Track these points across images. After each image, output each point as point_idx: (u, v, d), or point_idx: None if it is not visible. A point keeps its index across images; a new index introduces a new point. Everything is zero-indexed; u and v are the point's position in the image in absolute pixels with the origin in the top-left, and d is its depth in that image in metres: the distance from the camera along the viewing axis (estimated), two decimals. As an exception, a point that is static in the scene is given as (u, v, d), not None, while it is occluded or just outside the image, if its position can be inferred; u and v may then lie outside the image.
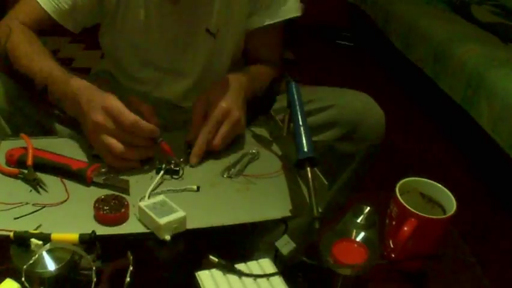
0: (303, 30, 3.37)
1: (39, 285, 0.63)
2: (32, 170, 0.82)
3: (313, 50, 3.36)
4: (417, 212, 0.70)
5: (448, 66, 2.26)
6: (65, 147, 0.91)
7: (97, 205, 0.76)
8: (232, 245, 0.76)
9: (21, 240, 0.67)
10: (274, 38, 1.14)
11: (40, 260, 0.65)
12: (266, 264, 0.69)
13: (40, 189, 0.81)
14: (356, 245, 0.71)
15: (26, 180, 0.82)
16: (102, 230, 0.73)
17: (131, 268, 0.66)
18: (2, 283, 0.60)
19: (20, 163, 0.84)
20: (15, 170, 0.83)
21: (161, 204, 0.76)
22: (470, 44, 2.23)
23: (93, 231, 0.70)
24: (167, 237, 0.73)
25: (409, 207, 0.71)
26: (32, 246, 0.66)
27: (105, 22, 1.08)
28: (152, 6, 1.02)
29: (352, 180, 1.09)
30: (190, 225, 0.76)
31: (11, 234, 0.68)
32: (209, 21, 1.04)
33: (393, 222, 0.73)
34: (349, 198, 0.91)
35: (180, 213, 0.75)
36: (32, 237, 0.67)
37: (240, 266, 0.68)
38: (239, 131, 0.95)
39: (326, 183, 0.79)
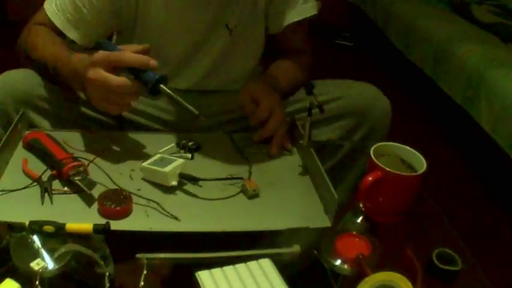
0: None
1: (40, 285, 0.63)
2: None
3: (314, 50, 3.36)
4: (382, 166, 0.76)
5: (448, 66, 2.26)
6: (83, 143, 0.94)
7: (101, 200, 0.77)
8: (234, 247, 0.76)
9: (37, 229, 0.69)
10: (302, 31, 1.20)
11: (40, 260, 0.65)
12: (266, 265, 0.69)
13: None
14: (358, 239, 0.71)
15: (39, 186, 0.82)
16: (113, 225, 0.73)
17: (144, 272, 0.66)
18: (2, 283, 0.60)
19: (30, 146, 0.89)
20: (35, 175, 0.83)
21: (161, 160, 0.86)
22: (470, 44, 2.23)
23: (107, 222, 0.71)
24: (174, 183, 0.83)
25: (377, 161, 0.77)
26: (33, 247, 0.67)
27: (122, 30, 1.09)
28: (173, 8, 1.02)
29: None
30: (198, 228, 0.77)
31: (27, 222, 0.69)
32: (230, 19, 1.07)
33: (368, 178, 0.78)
34: (349, 198, 0.91)
35: (180, 161, 0.85)
36: (46, 226, 0.69)
37: (240, 266, 0.68)
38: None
39: (337, 197, 0.79)
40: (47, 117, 0.99)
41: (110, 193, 0.79)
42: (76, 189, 0.81)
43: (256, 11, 1.09)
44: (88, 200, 0.79)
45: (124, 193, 0.80)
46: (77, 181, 0.80)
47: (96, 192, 0.80)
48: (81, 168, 0.82)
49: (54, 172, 0.83)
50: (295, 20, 1.13)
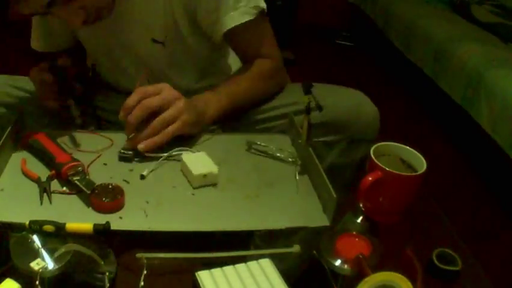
0: (303, 30, 3.37)
1: (40, 285, 0.63)
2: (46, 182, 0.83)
3: (313, 50, 3.36)
4: (382, 166, 0.76)
5: (447, 66, 2.26)
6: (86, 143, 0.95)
7: (93, 193, 0.78)
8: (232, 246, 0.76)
9: (37, 228, 0.69)
10: (254, 36, 1.09)
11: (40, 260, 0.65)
12: (266, 265, 0.69)
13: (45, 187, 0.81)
14: (358, 239, 0.71)
15: (38, 186, 0.82)
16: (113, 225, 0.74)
17: (144, 272, 0.66)
18: (2, 283, 0.60)
19: (29, 146, 0.90)
20: (34, 175, 0.83)
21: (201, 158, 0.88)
22: (470, 44, 2.23)
23: (107, 222, 0.71)
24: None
25: (376, 161, 0.77)
26: (33, 247, 0.67)
27: None
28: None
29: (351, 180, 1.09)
30: (194, 227, 0.77)
31: (27, 222, 0.70)
32: (153, 32, 1.06)
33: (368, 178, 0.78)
34: (349, 198, 0.91)
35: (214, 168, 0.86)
36: (46, 226, 0.69)
37: (240, 266, 0.68)
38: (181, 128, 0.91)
39: (335, 196, 0.79)
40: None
41: (103, 187, 0.80)
42: (74, 190, 0.81)
43: (175, 22, 1.05)
44: (87, 200, 0.79)
45: (116, 187, 0.80)
46: (76, 181, 0.80)
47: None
48: (80, 169, 0.82)
49: (53, 172, 0.83)
50: (233, 25, 1.02)
